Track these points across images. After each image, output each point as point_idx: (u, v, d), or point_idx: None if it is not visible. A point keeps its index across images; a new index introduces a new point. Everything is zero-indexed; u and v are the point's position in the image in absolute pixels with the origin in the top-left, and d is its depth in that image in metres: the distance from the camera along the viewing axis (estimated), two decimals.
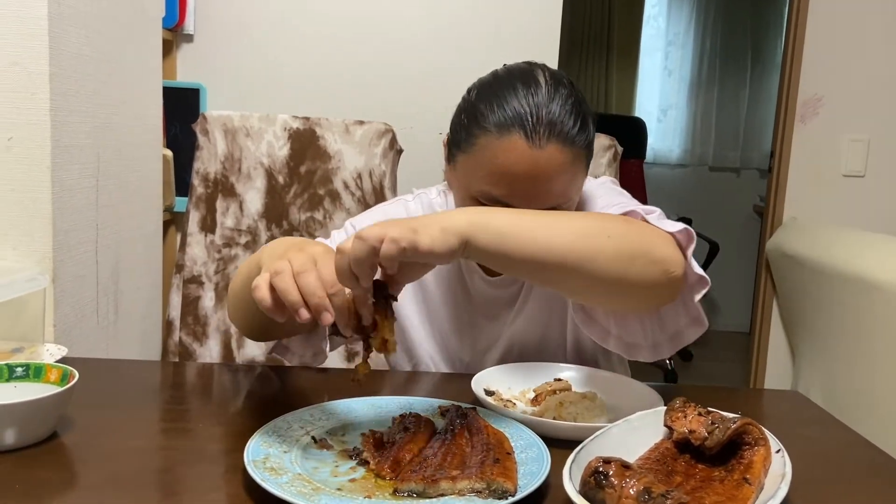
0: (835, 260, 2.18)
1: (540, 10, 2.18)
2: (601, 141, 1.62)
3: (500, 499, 0.64)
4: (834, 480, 0.78)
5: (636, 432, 0.76)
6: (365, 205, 1.63)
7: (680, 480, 0.68)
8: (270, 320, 0.76)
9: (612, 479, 0.60)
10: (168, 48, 2.10)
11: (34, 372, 0.82)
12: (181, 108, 2.12)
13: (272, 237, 1.62)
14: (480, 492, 0.65)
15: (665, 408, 0.77)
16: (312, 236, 1.63)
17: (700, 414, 0.73)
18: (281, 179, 1.61)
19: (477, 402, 0.89)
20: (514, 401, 0.96)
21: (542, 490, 0.68)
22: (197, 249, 1.60)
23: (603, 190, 1.07)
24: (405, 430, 0.77)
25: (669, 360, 3.72)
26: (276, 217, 1.62)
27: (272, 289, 0.73)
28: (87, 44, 1.27)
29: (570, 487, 0.62)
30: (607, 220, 0.85)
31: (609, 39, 4.76)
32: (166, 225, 2.04)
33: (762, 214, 2.89)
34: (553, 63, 2.11)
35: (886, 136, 2.55)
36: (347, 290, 0.73)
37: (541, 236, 0.78)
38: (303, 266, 0.72)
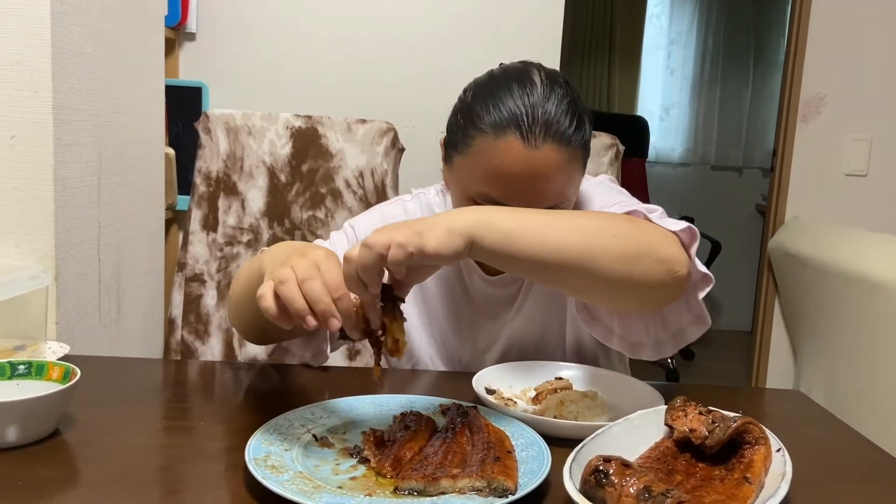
0: (837, 259, 2.18)
1: (541, 9, 2.18)
2: (603, 140, 1.62)
3: (500, 497, 0.64)
4: (835, 480, 0.78)
5: (637, 431, 0.76)
6: (367, 203, 1.63)
7: (680, 479, 0.68)
8: (271, 324, 0.75)
9: (613, 477, 0.61)
10: (170, 47, 2.10)
11: (36, 369, 0.83)
12: (183, 106, 2.12)
13: (274, 235, 1.62)
14: (481, 490, 0.65)
15: (665, 407, 0.77)
16: (314, 235, 1.63)
17: (701, 413, 0.73)
18: (283, 178, 1.61)
19: (478, 400, 0.89)
20: (514, 399, 0.96)
21: (543, 488, 0.68)
22: (199, 248, 1.60)
23: (601, 189, 1.06)
24: (406, 428, 0.78)
25: (671, 359, 3.72)
26: (278, 215, 1.62)
27: (277, 297, 0.72)
28: (90, 42, 1.27)
29: (571, 486, 0.62)
30: (612, 220, 0.85)
31: (611, 38, 4.75)
32: (168, 223, 2.04)
33: (764, 214, 2.89)
34: (555, 62, 2.11)
35: (889, 135, 2.55)
36: (353, 294, 0.73)
37: (546, 235, 0.78)
38: (307, 273, 0.72)
